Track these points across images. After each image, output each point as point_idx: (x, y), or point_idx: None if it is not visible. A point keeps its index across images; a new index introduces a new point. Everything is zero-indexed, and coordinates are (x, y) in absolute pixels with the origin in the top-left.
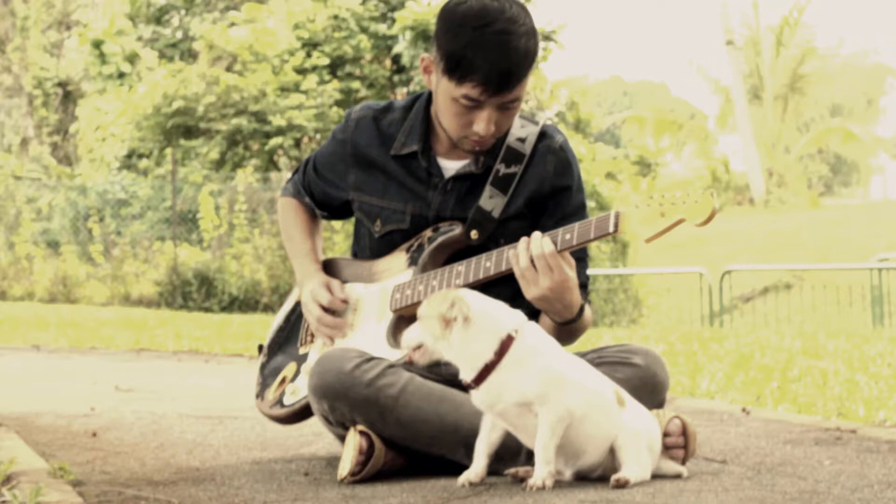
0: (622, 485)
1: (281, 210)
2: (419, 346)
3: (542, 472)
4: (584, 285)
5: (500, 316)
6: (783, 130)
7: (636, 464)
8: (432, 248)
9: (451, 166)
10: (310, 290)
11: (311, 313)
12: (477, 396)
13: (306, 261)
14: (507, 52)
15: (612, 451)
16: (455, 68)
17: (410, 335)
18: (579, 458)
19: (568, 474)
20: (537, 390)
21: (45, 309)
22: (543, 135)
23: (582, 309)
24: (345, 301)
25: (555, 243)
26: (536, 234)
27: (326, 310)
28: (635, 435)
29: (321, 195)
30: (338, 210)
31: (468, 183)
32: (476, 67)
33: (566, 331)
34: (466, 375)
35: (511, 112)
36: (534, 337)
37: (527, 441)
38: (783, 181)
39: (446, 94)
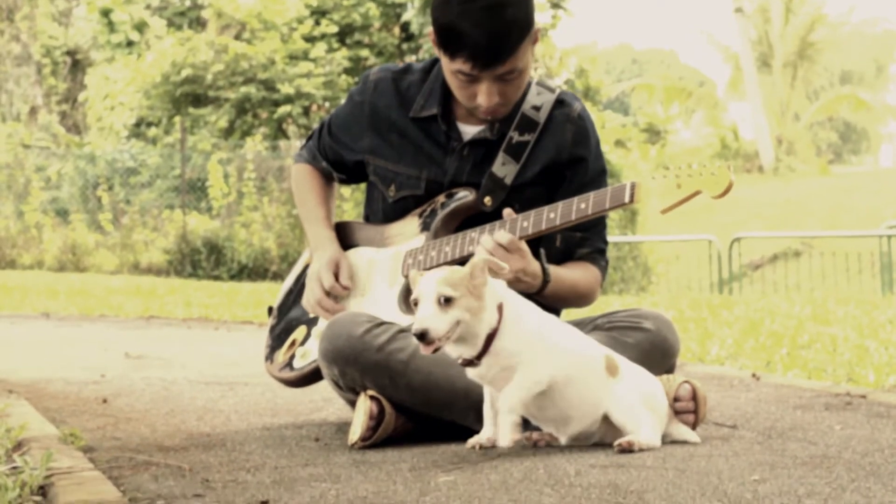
0: (627, 448)
1: (295, 176)
2: (456, 324)
3: (504, 424)
4: (601, 250)
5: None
6: (792, 98)
7: (641, 428)
8: (445, 213)
9: (469, 131)
10: (316, 268)
11: (313, 293)
12: (476, 370)
13: (319, 227)
14: (492, 25)
15: (608, 420)
16: (446, 43)
17: (441, 321)
18: (568, 424)
19: (563, 440)
20: (525, 352)
21: (54, 277)
22: (561, 102)
23: (546, 272)
24: (347, 288)
25: (568, 214)
26: (485, 237)
27: (328, 292)
28: (629, 401)
29: (335, 157)
30: (352, 172)
31: (484, 149)
32: (463, 42)
33: (550, 297)
34: (474, 349)
35: (513, 83)
36: (517, 301)
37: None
38: (792, 149)
39: (446, 68)
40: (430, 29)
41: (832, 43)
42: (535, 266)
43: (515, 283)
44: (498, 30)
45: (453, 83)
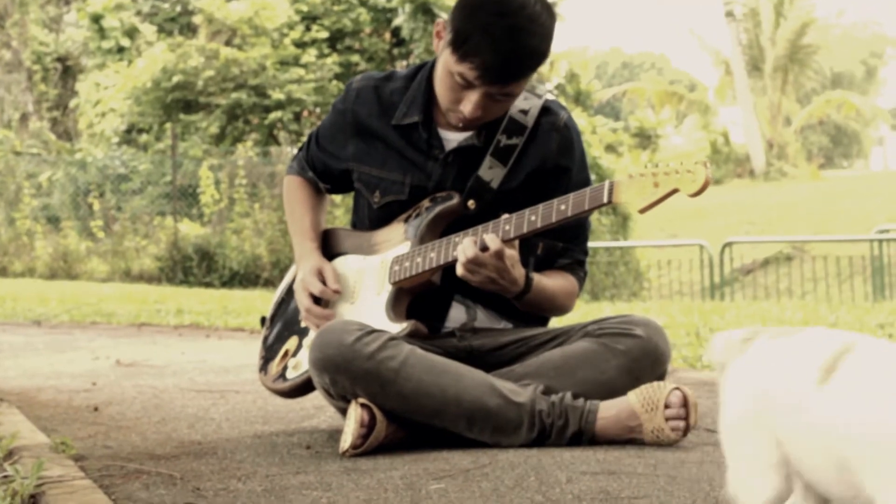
0: None
1: (285, 188)
2: None
3: None
4: (580, 262)
5: None
6: (783, 102)
7: None
8: (429, 218)
9: (452, 138)
10: (301, 277)
11: (301, 303)
12: None
13: (303, 239)
14: (514, 47)
15: None
16: (460, 45)
17: None
18: None
19: None
20: None
21: (45, 285)
22: (547, 110)
23: (529, 281)
24: (337, 291)
25: (548, 216)
26: (467, 240)
27: (317, 300)
28: None
29: (322, 167)
30: (339, 181)
31: (469, 156)
32: (480, 52)
33: (526, 304)
34: None
35: (502, 104)
36: None
37: None
38: (783, 153)
39: (446, 65)
40: (439, 20)
41: (822, 46)
42: (518, 272)
43: (489, 284)
44: (516, 54)
45: (445, 80)
